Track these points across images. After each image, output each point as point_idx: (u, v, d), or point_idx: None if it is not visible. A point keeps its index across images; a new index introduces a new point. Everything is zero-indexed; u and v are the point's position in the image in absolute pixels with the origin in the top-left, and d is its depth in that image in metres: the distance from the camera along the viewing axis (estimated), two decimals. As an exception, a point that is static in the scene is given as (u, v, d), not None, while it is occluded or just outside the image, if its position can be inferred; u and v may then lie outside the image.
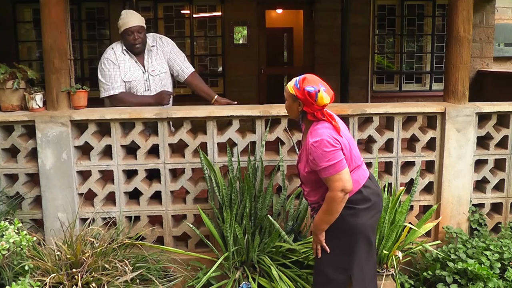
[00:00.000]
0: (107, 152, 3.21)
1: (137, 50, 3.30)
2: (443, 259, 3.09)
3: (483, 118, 3.41)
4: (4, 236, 2.26)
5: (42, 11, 3.06)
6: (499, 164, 3.50)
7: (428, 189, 3.43)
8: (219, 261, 2.88)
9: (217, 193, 3.07)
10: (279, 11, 8.99)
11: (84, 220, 3.16)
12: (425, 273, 3.07)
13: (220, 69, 7.23)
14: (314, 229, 2.39)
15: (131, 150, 3.25)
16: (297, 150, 3.18)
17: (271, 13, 8.88)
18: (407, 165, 3.44)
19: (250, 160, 3.13)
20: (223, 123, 3.30)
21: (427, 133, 3.34)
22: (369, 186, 2.37)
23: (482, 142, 3.45)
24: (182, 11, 7.06)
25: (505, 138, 3.42)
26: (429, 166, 3.45)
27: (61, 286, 2.42)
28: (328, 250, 2.36)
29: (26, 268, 2.40)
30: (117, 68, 3.27)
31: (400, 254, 2.86)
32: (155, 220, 3.31)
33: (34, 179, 3.25)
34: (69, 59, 3.20)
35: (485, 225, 3.43)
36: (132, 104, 3.27)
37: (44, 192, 3.11)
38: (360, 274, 2.37)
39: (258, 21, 7.10)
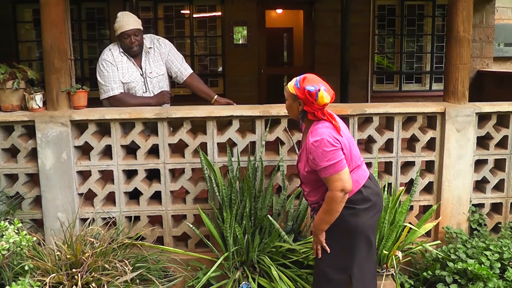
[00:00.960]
0: (107, 152, 3.21)
1: (134, 53, 3.30)
2: (443, 259, 3.09)
3: (483, 118, 3.41)
4: (4, 236, 2.26)
5: (42, 11, 3.06)
6: (499, 164, 3.50)
7: (428, 189, 3.43)
8: (219, 261, 2.88)
9: (217, 193, 3.07)
10: (279, 11, 8.99)
11: (84, 220, 3.16)
12: (425, 273, 3.07)
13: (220, 69, 7.24)
14: (314, 229, 2.39)
15: (131, 150, 3.25)
16: (297, 150, 3.19)
17: (271, 13, 8.88)
18: (407, 165, 3.44)
19: (250, 160, 3.13)
20: (223, 123, 3.30)
21: (427, 133, 3.34)
22: (369, 186, 2.37)
23: (482, 142, 3.46)
24: (182, 11, 7.06)
25: (505, 138, 3.42)
26: (429, 166, 3.45)
27: (61, 286, 2.42)
28: (329, 250, 2.36)
29: (26, 268, 2.40)
30: (115, 69, 3.27)
31: (400, 254, 2.86)
32: (155, 220, 3.31)
33: (34, 179, 3.25)
34: (69, 59, 3.20)
35: (485, 225, 3.44)
36: (132, 105, 3.27)
37: (44, 192, 3.11)
38: (360, 274, 2.37)
39: (258, 21, 7.10)
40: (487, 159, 3.43)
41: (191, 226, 3.13)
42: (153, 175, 3.29)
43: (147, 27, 6.32)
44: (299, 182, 2.59)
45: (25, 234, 2.32)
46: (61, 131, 3.07)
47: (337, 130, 2.29)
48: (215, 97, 3.52)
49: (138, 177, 3.20)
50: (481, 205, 3.49)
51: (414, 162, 3.37)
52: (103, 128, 3.22)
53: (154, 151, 3.23)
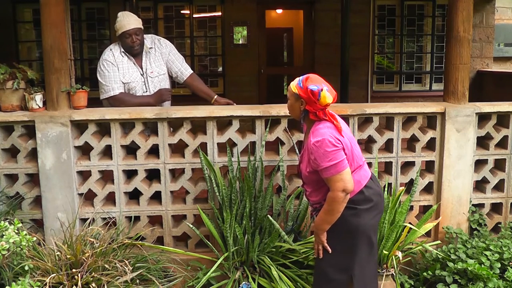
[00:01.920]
0: (107, 152, 3.21)
1: (135, 52, 3.31)
2: (443, 259, 3.09)
3: (483, 118, 3.41)
4: (4, 236, 2.26)
5: (42, 11, 3.06)
6: (499, 164, 3.50)
7: (428, 189, 3.43)
8: (219, 261, 2.88)
9: (217, 193, 3.07)
10: (279, 11, 8.99)
11: (84, 220, 3.16)
12: (425, 273, 3.07)
13: (220, 69, 7.24)
14: (316, 229, 2.39)
15: (131, 150, 3.25)
16: (297, 150, 3.19)
17: (271, 13, 8.88)
18: (407, 165, 3.44)
19: (250, 160, 3.13)
20: (223, 123, 3.30)
21: (427, 133, 3.34)
22: (371, 186, 2.37)
23: (482, 142, 3.45)
24: (182, 11, 7.06)
25: (505, 138, 3.42)
26: (429, 166, 3.45)
27: (61, 286, 2.42)
28: (330, 250, 2.36)
29: (26, 268, 2.40)
30: (116, 69, 3.28)
31: (400, 254, 2.86)
32: (155, 220, 3.31)
33: (34, 179, 3.25)
34: (69, 59, 3.20)
35: (485, 225, 3.44)
36: (132, 105, 3.27)
37: (44, 192, 3.11)
38: (361, 274, 2.37)
39: (258, 21, 7.10)
40: (487, 159, 3.43)
41: (191, 226, 3.13)
42: (153, 175, 3.29)
43: (147, 27, 6.32)
44: (300, 182, 2.60)
45: (25, 234, 2.32)
46: (61, 131, 3.07)
47: (338, 130, 2.29)
48: (215, 97, 3.52)
49: (138, 177, 3.20)
50: (481, 205, 3.49)
51: (414, 162, 3.37)
52: (103, 128, 3.22)
53: (154, 151, 3.23)
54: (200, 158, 3.10)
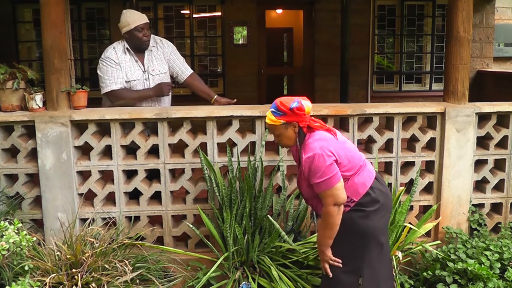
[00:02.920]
0: (107, 152, 3.21)
1: (146, 46, 3.34)
2: (443, 259, 3.09)
3: (483, 118, 3.41)
4: (4, 236, 2.26)
5: (42, 11, 3.06)
6: (499, 164, 3.50)
7: (428, 189, 3.43)
8: (219, 261, 2.88)
9: (217, 193, 3.07)
10: (279, 11, 8.98)
11: (84, 220, 3.16)
12: (425, 273, 3.07)
13: (220, 69, 7.23)
14: (319, 246, 2.39)
15: (131, 150, 3.25)
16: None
17: (271, 13, 8.88)
18: (407, 165, 3.44)
19: (250, 160, 3.13)
20: (223, 123, 3.30)
21: (427, 133, 3.34)
22: (377, 187, 2.35)
23: (482, 142, 3.46)
24: (182, 11, 7.06)
25: (505, 138, 3.42)
26: (429, 166, 3.45)
27: (61, 286, 2.42)
28: (341, 265, 2.35)
29: (26, 268, 2.40)
30: (119, 68, 3.28)
31: (400, 254, 2.85)
32: (155, 220, 3.31)
33: (34, 179, 3.25)
34: (69, 59, 3.20)
35: (485, 225, 3.44)
36: (132, 99, 3.28)
37: (44, 192, 3.11)
38: (372, 274, 2.35)
39: (258, 21, 7.10)
40: (487, 159, 3.43)
41: (191, 226, 3.13)
42: (153, 175, 3.29)
43: (147, 27, 6.30)
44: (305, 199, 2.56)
45: (25, 234, 2.32)
46: (61, 131, 3.07)
47: (333, 133, 2.29)
48: (215, 96, 3.52)
49: (138, 177, 3.20)
50: (481, 205, 3.49)
51: (414, 162, 3.37)
52: (103, 128, 3.22)
53: (154, 151, 3.23)
54: (200, 158, 3.10)
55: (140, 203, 3.24)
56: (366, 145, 3.43)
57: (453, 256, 3.08)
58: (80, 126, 3.20)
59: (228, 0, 6.88)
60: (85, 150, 3.23)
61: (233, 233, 2.90)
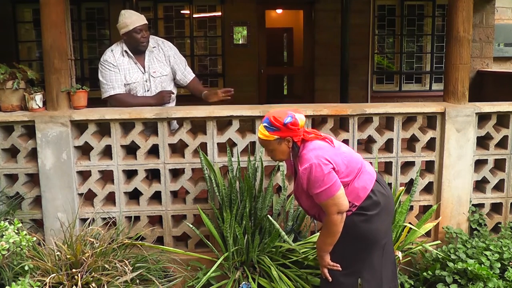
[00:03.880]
0: (107, 152, 3.21)
1: (143, 48, 3.31)
2: (443, 259, 3.09)
3: (483, 118, 3.41)
4: (4, 236, 2.26)
5: (42, 11, 3.06)
6: (499, 164, 3.50)
7: (428, 189, 3.43)
8: (219, 261, 2.88)
9: (217, 193, 3.07)
10: (279, 11, 8.99)
11: (84, 220, 3.16)
12: (425, 273, 3.07)
13: (220, 69, 7.24)
14: (319, 252, 2.37)
15: (131, 150, 3.25)
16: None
17: (271, 13, 8.88)
18: (407, 165, 3.44)
19: (250, 160, 3.13)
20: (223, 123, 3.30)
21: (427, 133, 3.34)
22: (378, 189, 2.32)
23: (482, 142, 3.46)
24: (182, 11, 7.06)
25: (505, 138, 3.42)
26: (429, 166, 3.45)
27: (61, 286, 2.42)
28: (340, 269, 2.33)
29: (26, 268, 2.40)
30: (117, 71, 3.27)
31: (400, 254, 2.85)
32: (155, 220, 3.31)
33: (34, 179, 3.25)
34: (69, 59, 3.20)
35: (485, 225, 3.44)
36: (132, 105, 3.26)
37: (44, 192, 3.11)
38: (372, 277, 2.34)
39: (258, 21, 7.10)
40: (487, 159, 3.43)
41: (191, 226, 3.13)
42: (153, 175, 3.29)
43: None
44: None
45: (25, 234, 2.32)
46: (61, 131, 3.07)
47: (326, 142, 2.26)
48: (205, 92, 3.52)
49: (138, 177, 3.20)
50: (481, 205, 3.49)
51: (414, 162, 3.37)
52: (103, 128, 3.22)
53: (154, 151, 3.23)
54: (200, 158, 3.10)
55: (140, 203, 3.24)
56: (366, 145, 3.43)
57: (453, 256, 3.08)
58: (80, 126, 3.19)
59: (228, 0, 6.88)
60: (85, 150, 3.23)
61: (233, 233, 2.90)
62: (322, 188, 2.17)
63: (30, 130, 3.16)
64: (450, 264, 3.00)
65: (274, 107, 3.22)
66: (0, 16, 6.66)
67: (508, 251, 3.07)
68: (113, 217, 3.18)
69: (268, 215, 2.95)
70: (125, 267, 2.50)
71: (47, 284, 2.33)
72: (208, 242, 3.05)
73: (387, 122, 3.41)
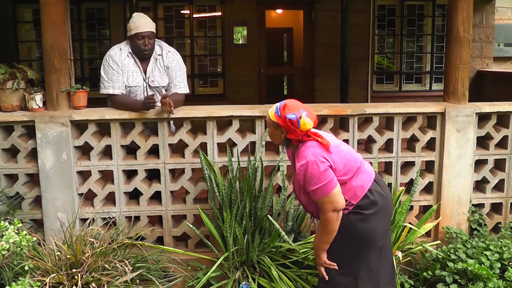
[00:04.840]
0: (107, 152, 3.21)
1: (144, 56, 3.24)
2: (443, 259, 3.09)
3: (483, 118, 3.41)
4: (4, 236, 2.26)
5: (42, 11, 3.06)
6: (499, 164, 3.50)
7: (428, 189, 3.43)
8: (219, 261, 2.88)
9: (217, 193, 3.07)
10: (279, 11, 8.98)
11: (84, 220, 3.16)
12: (425, 273, 3.07)
13: (220, 69, 7.24)
14: (316, 250, 2.38)
15: (131, 150, 3.25)
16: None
17: (271, 13, 8.87)
18: (407, 165, 3.44)
19: (250, 160, 3.13)
20: (223, 123, 3.30)
21: (427, 133, 3.34)
22: (375, 189, 2.32)
23: (482, 142, 3.46)
24: (182, 11, 7.06)
25: (505, 138, 3.42)
26: (429, 166, 3.45)
27: (61, 286, 2.42)
28: (337, 267, 2.34)
29: (26, 268, 2.40)
30: (120, 71, 3.23)
31: (400, 254, 2.85)
32: (155, 220, 3.31)
33: (34, 179, 3.25)
34: (69, 59, 3.20)
35: (485, 225, 3.44)
36: (123, 108, 3.20)
37: (44, 192, 3.11)
38: (369, 277, 2.34)
39: (258, 21, 7.10)
40: (487, 159, 3.43)
41: (191, 226, 3.13)
42: (153, 175, 3.29)
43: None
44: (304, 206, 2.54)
45: (25, 234, 2.32)
46: (61, 131, 3.07)
47: (325, 148, 2.26)
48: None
49: (138, 177, 3.20)
50: (481, 205, 3.50)
51: (414, 162, 3.37)
52: (103, 128, 3.22)
53: (154, 151, 3.23)
54: (200, 158, 3.10)
55: (140, 203, 3.24)
56: (366, 145, 3.43)
57: (453, 256, 3.08)
58: (80, 126, 3.19)
59: (228, 0, 6.88)
60: (85, 150, 3.23)
61: (233, 233, 2.90)
62: (317, 185, 2.19)
63: (30, 130, 3.16)
64: (450, 264, 3.00)
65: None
66: (0, 16, 6.66)
67: (508, 251, 3.07)
68: (113, 217, 3.18)
69: (268, 215, 2.96)
70: (125, 267, 2.51)
71: (47, 284, 2.33)
72: (208, 242, 3.05)
73: (387, 122, 3.41)
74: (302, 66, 7.63)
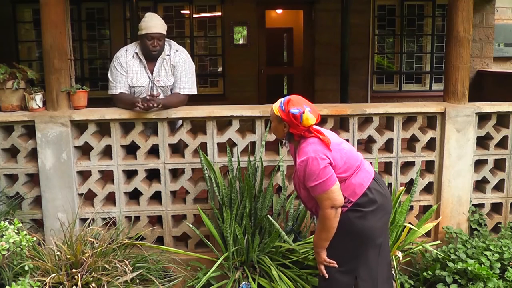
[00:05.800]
0: (107, 152, 3.21)
1: (152, 56, 3.23)
2: (443, 259, 3.09)
3: (483, 118, 3.41)
4: (4, 236, 2.26)
5: (42, 11, 3.07)
6: (499, 164, 3.50)
7: (428, 189, 3.43)
8: (219, 261, 2.88)
9: (217, 193, 3.07)
10: (279, 11, 8.98)
11: (84, 220, 3.16)
12: (425, 273, 3.07)
13: (220, 69, 7.24)
14: (315, 248, 2.39)
15: (131, 150, 3.25)
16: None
17: (271, 13, 8.87)
18: (407, 165, 3.44)
19: (250, 160, 3.13)
20: (223, 123, 3.30)
21: (427, 133, 3.34)
22: (374, 187, 2.34)
23: (482, 142, 3.46)
24: (182, 11, 7.06)
25: (505, 138, 3.42)
26: (429, 166, 3.45)
27: (61, 286, 2.42)
28: (337, 265, 2.35)
29: (26, 268, 2.40)
30: (124, 72, 3.24)
31: (400, 254, 2.86)
32: (155, 220, 3.31)
33: (34, 179, 3.25)
34: (69, 59, 3.20)
35: (485, 225, 3.44)
36: (121, 106, 3.21)
37: (44, 192, 3.11)
38: (369, 276, 2.35)
39: (258, 21, 7.10)
40: (487, 159, 3.44)
41: (191, 226, 3.13)
42: (153, 175, 3.29)
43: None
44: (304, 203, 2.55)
45: (25, 234, 2.32)
46: (61, 131, 3.07)
47: (325, 145, 2.27)
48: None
49: (138, 177, 3.20)
50: (481, 205, 3.50)
51: (414, 162, 3.37)
52: (103, 128, 3.22)
53: (154, 151, 3.23)
54: (200, 158, 3.10)
55: (140, 203, 3.24)
56: (366, 145, 3.43)
57: (453, 256, 3.08)
58: (80, 126, 3.20)
59: (228, 0, 6.88)
60: (85, 150, 3.23)
61: (233, 233, 2.90)
62: (317, 181, 2.21)
63: (30, 130, 3.16)
64: (450, 264, 3.00)
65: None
66: (0, 16, 6.66)
67: (508, 251, 3.07)
68: (113, 217, 3.18)
69: (268, 215, 2.96)
70: (125, 267, 2.51)
71: (47, 284, 2.33)
72: (208, 242, 3.05)
73: (387, 122, 3.41)
74: (302, 66, 7.63)
